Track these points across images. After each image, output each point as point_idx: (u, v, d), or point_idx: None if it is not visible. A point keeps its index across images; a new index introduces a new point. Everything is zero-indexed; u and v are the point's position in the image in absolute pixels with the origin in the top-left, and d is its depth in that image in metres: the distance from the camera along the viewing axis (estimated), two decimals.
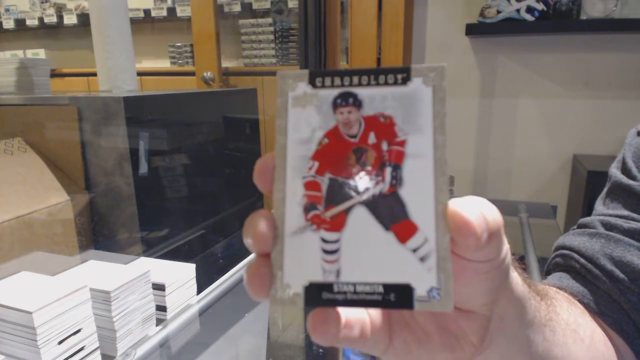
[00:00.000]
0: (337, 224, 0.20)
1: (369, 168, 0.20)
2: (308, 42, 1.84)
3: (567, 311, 0.35)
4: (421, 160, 0.20)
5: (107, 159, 0.93)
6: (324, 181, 0.20)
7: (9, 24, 3.01)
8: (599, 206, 0.46)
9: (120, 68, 1.23)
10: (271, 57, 2.49)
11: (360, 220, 0.20)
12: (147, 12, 2.72)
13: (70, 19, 2.86)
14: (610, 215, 0.43)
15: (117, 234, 0.96)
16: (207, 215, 1.20)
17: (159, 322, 0.68)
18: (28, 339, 0.52)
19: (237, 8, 2.51)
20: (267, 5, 2.49)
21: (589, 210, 0.49)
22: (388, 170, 0.20)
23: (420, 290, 0.20)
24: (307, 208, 0.20)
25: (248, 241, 0.21)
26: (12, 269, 0.61)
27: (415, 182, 0.20)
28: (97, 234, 0.96)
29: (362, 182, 0.20)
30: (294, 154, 0.21)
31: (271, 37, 2.47)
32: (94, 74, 1.25)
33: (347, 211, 0.20)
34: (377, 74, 0.21)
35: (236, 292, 0.82)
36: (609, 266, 0.40)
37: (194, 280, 0.74)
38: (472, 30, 1.90)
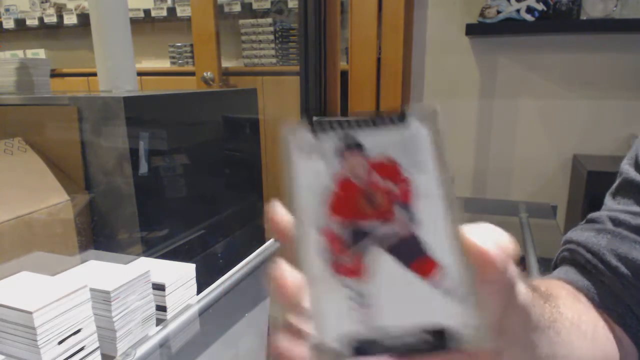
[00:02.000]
0: (359, 269, 0.20)
1: (381, 210, 0.21)
2: (308, 42, 1.84)
3: (571, 309, 0.36)
4: (429, 198, 0.21)
5: (107, 159, 0.93)
6: (340, 228, 0.21)
7: (9, 24, 3.01)
8: (609, 201, 0.47)
9: (120, 68, 1.23)
10: (271, 57, 2.49)
11: (381, 263, 0.20)
12: (147, 12, 2.72)
13: (70, 19, 2.86)
14: (619, 211, 0.44)
15: (117, 234, 0.96)
16: (207, 215, 1.20)
17: (159, 322, 0.68)
18: (28, 339, 0.52)
19: (237, 8, 2.51)
20: (267, 5, 2.49)
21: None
22: (399, 210, 0.21)
23: (454, 329, 0.19)
24: (328, 257, 0.20)
25: (273, 296, 0.21)
26: (12, 269, 0.61)
27: (427, 219, 0.20)
28: (97, 234, 0.96)
29: (376, 224, 0.21)
30: (307, 204, 0.21)
31: (271, 37, 2.47)
32: (94, 74, 1.25)
33: (366, 255, 0.20)
34: (375, 119, 0.21)
35: (236, 292, 0.82)
36: (614, 262, 0.40)
37: (194, 280, 0.74)
38: (472, 30, 1.90)
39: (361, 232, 0.21)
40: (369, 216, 0.21)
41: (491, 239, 0.20)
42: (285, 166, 0.21)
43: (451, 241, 0.20)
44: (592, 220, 0.45)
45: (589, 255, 0.42)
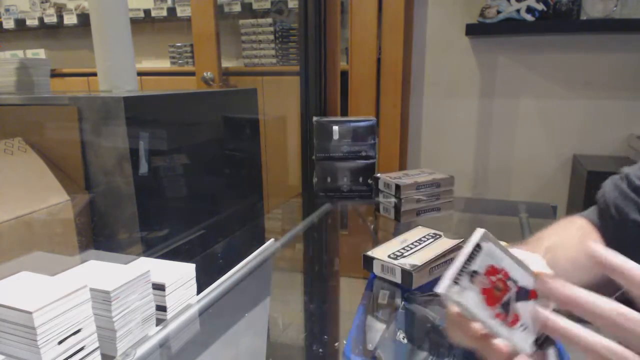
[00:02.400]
0: (517, 317, 0.41)
1: (504, 289, 0.41)
2: (308, 42, 1.84)
3: (574, 248, 0.56)
4: (513, 268, 0.41)
5: (107, 159, 0.93)
6: (498, 309, 0.40)
7: (9, 24, 3.01)
8: None
9: (120, 68, 1.23)
10: (271, 57, 2.49)
11: (520, 307, 0.41)
12: (147, 12, 2.72)
13: (70, 19, 2.86)
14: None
15: (117, 234, 0.96)
16: (207, 215, 1.20)
17: (159, 322, 0.68)
18: (28, 339, 0.52)
19: (237, 8, 2.51)
20: (267, 5, 2.50)
21: None
22: (510, 283, 0.41)
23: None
24: (504, 323, 0.40)
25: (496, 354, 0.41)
26: (12, 269, 0.61)
27: (519, 277, 0.41)
28: (97, 234, 0.96)
29: (507, 295, 0.41)
30: (479, 312, 0.40)
31: (271, 37, 2.47)
32: (94, 74, 1.25)
33: (514, 310, 0.41)
34: (470, 254, 0.39)
35: (236, 292, 0.82)
36: (614, 212, 0.61)
37: (194, 280, 0.74)
38: (472, 30, 1.90)
39: (505, 304, 0.40)
40: (502, 295, 0.40)
41: (540, 265, 0.44)
42: (457, 305, 0.39)
43: (532, 277, 0.41)
44: (618, 175, 0.63)
45: (603, 205, 0.63)
